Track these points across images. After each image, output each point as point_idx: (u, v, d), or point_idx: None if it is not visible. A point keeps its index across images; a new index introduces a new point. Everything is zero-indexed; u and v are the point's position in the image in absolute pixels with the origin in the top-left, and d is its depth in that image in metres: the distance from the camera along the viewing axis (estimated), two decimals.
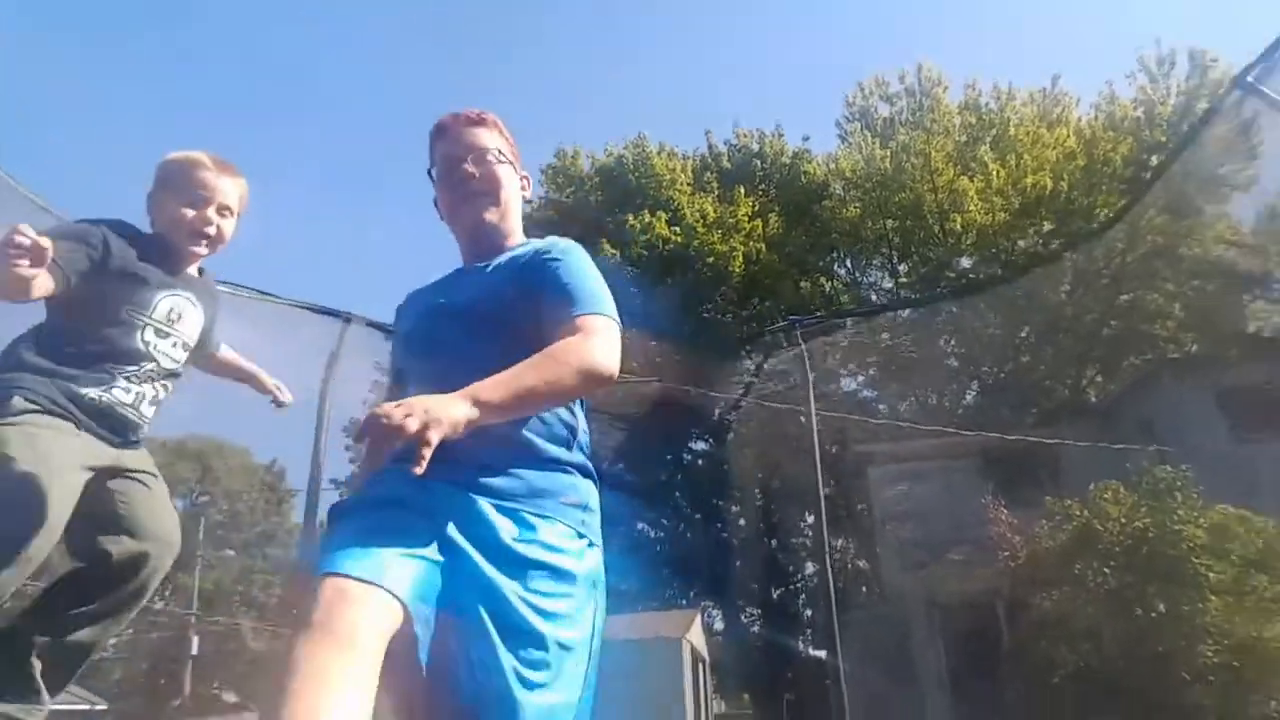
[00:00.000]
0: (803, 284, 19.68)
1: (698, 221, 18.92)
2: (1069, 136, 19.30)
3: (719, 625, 21.73)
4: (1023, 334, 19.34)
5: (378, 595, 1.16)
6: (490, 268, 1.61)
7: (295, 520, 28.19)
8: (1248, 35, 4.33)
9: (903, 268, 21.29)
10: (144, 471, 1.98)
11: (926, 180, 19.39)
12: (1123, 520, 9.59)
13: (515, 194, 1.73)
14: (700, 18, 51.64)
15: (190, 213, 1.97)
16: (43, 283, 1.69)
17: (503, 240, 1.68)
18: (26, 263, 1.56)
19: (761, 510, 21.38)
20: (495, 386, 1.28)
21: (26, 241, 1.54)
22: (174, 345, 1.98)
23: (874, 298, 20.93)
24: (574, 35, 54.86)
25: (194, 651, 26.52)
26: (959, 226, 19.06)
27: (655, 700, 12.67)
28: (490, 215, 1.66)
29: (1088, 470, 11.32)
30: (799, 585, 21.24)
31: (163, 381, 1.99)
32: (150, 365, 1.92)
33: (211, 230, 2.00)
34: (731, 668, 20.42)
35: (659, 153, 20.85)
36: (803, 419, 7.50)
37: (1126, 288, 17.49)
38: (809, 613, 20.45)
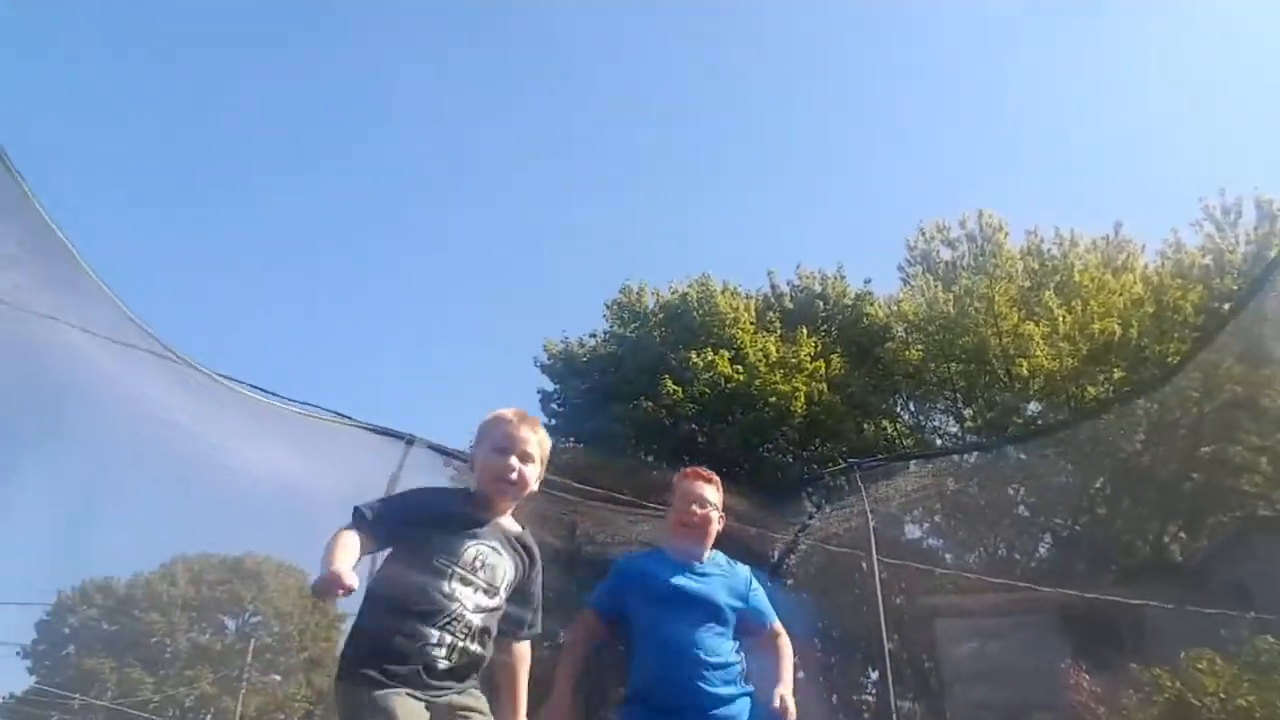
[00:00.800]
0: (865, 426, 19.42)
1: (760, 360, 19.07)
2: (1135, 283, 19.14)
3: None
4: (1097, 484, 18.55)
5: None
6: (704, 570, 2.84)
7: (340, 649, 27.73)
8: None
9: (968, 412, 20.89)
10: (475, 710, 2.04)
11: (991, 324, 19.30)
12: (1222, 695, 8.83)
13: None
14: (766, 160, 54.00)
15: (495, 460, 2.20)
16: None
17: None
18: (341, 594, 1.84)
19: (820, 663, 20.26)
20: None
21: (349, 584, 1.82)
22: (475, 592, 2.06)
23: (939, 442, 20.47)
24: (643, 173, 57.76)
25: None
26: (1025, 371, 18.77)
27: None
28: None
29: (1176, 637, 10.56)
30: None
31: (471, 632, 2.03)
32: (455, 611, 2.00)
33: (513, 476, 2.20)
34: None
35: (723, 291, 21.32)
36: (864, 565, 7.27)
37: (1206, 439, 16.77)
38: None
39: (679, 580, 2.71)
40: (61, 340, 5.22)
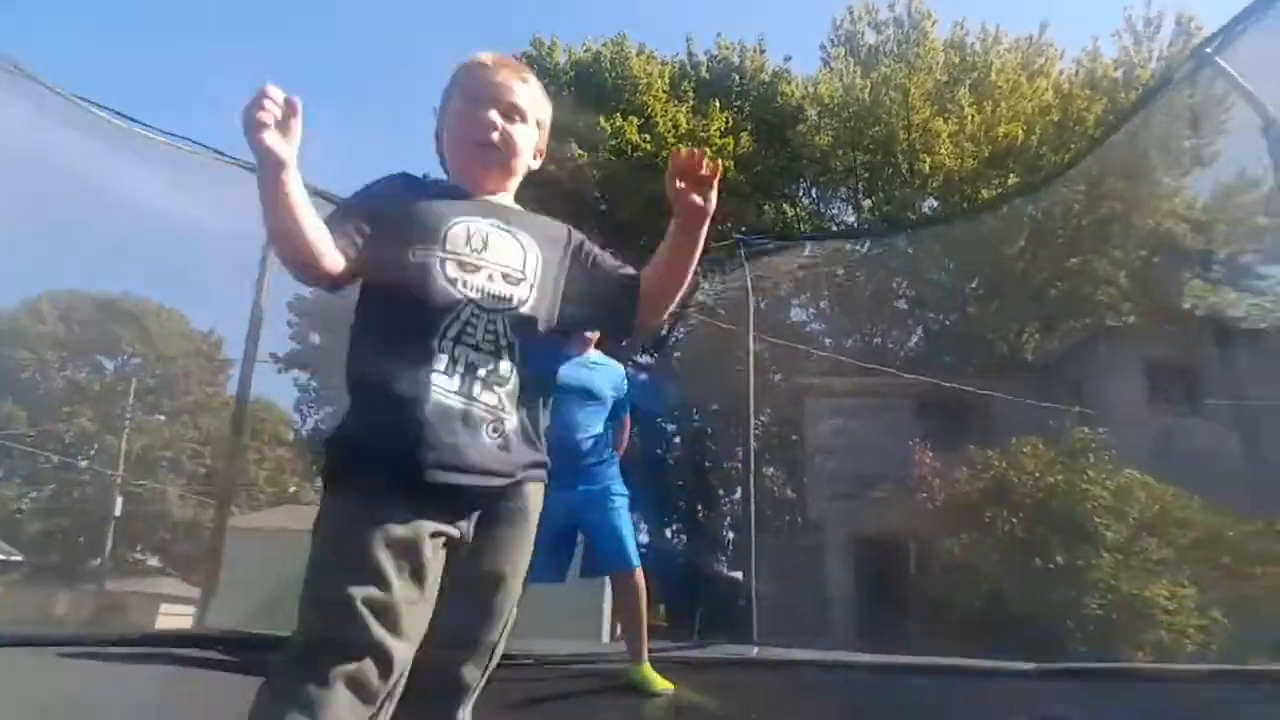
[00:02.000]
0: (766, 207, 19.50)
1: (669, 131, 18.45)
2: (1047, 89, 19.17)
3: (644, 538, 22.39)
4: (973, 284, 19.61)
5: None
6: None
7: (230, 392, 27.68)
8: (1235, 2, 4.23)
9: (867, 203, 21.23)
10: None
11: (902, 117, 19.14)
12: (1037, 475, 10.02)
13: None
14: None
15: (467, 117, 1.50)
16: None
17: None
18: (271, 119, 1.19)
19: (697, 430, 21.75)
20: None
21: (277, 96, 1.20)
22: (489, 279, 1.34)
23: (835, 229, 20.89)
24: None
25: (117, 513, 26.26)
26: (928, 168, 18.98)
27: (574, 603, 13.05)
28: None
29: (1014, 425, 11.73)
30: (725, 508, 21.85)
31: (496, 337, 1.31)
32: (465, 317, 1.29)
33: (494, 135, 1.47)
34: (650, 579, 21.11)
35: (638, 54, 20.08)
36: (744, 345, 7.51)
37: (1078, 250, 17.76)
38: (731, 535, 21.13)
39: None
40: None
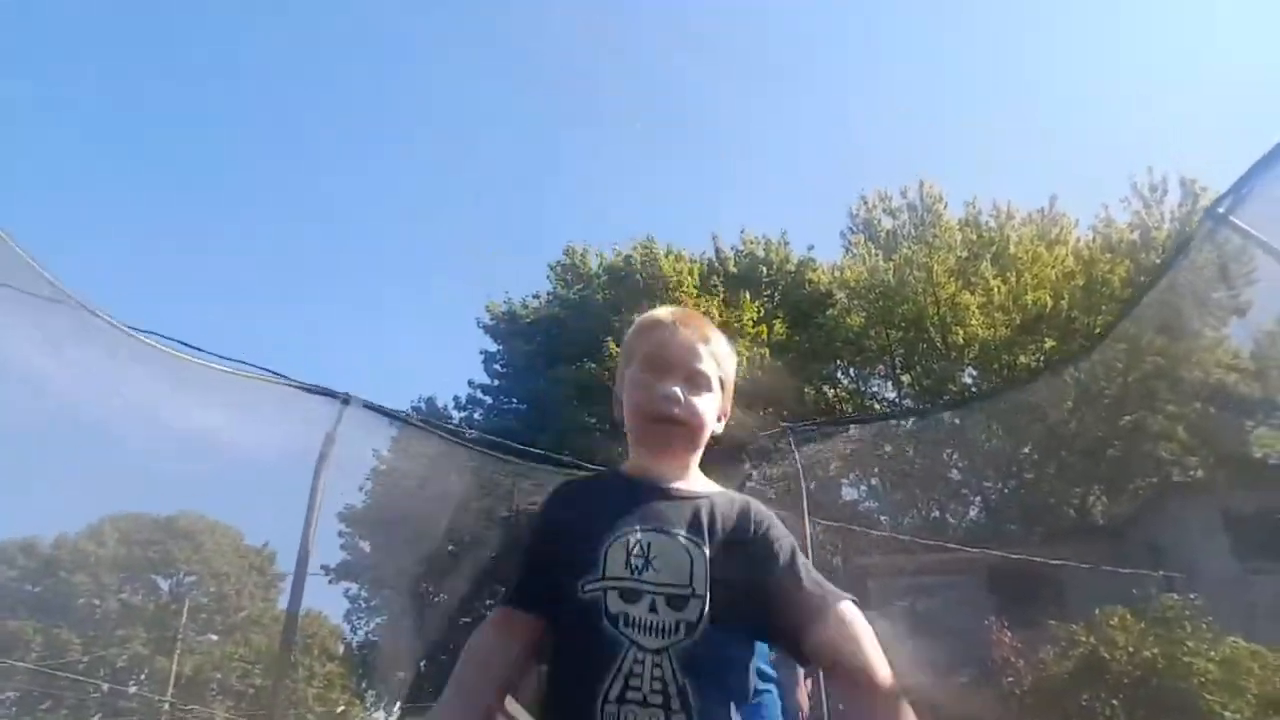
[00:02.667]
0: (806, 391, 19.74)
1: None
2: (1068, 256, 19.73)
3: None
4: (1026, 450, 19.22)
5: None
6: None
7: (281, 606, 27.40)
8: (1234, 163, 4.48)
9: (905, 379, 21.38)
10: None
11: (929, 293, 19.70)
12: (1130, 649, 9.30)
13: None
14: (710, 124, 53.68)
15: (644, 387, 1.38)
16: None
17: None
18: None
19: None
20: None
21: None
22: (652, 608, 1.18)
23: (876, 408, 20.93)
24: (588, 136, 56.97)
25: None
26: (961, 340, 19.25)
27: None
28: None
29: (1094, 593, 11.07)
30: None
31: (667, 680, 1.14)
32: (628, 668, 1.14)
33: (676, 410, 1.34)
34: None
35: (666, 254, 21.28)
36: (800, 526, 7.40)
37: (1129, 408, 17.49)
38: None
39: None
40: None
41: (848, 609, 1.27)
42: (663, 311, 1.47)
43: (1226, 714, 8.38)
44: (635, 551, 1.22)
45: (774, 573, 1.26)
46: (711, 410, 1.41)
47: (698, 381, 1.38)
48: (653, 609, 1.18)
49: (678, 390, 1.35)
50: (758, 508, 1.36)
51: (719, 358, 1.43)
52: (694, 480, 1.40)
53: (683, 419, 1.35)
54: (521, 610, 1.29)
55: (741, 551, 1.26)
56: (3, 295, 5.03)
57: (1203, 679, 8.64)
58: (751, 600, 1.22)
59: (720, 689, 1.17)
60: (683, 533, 1.25)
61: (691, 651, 1.16)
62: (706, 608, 1.18)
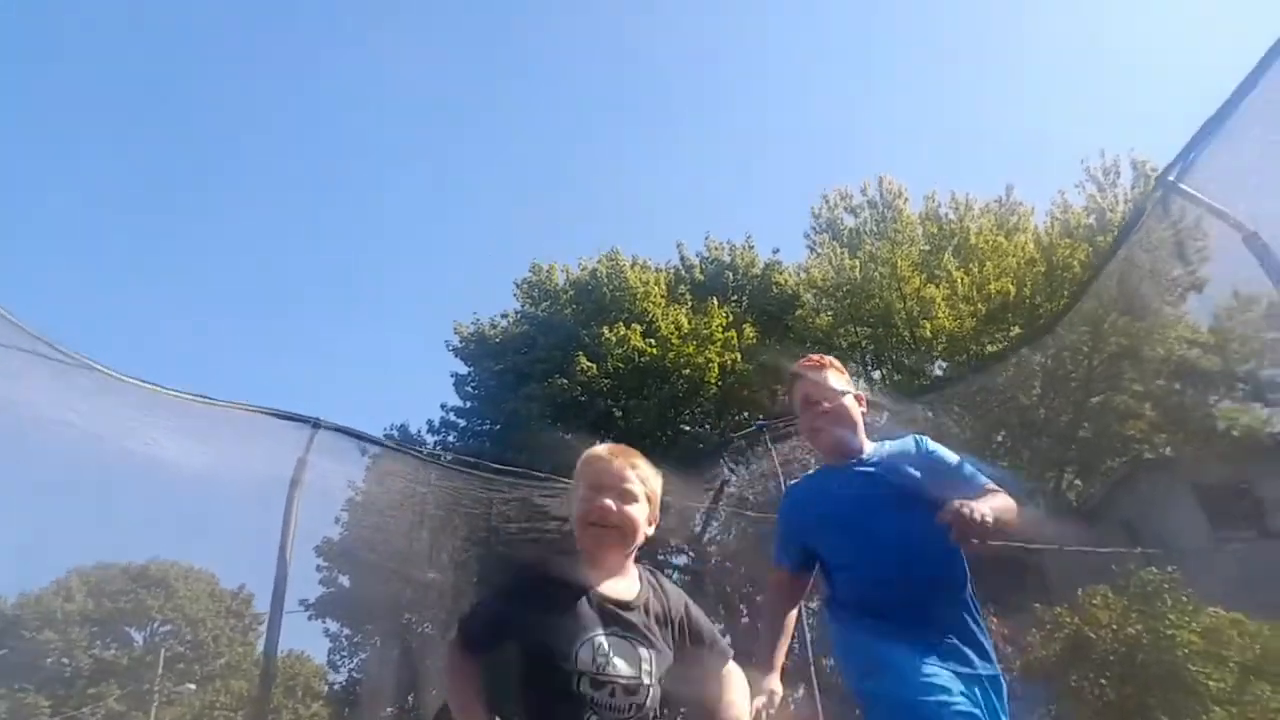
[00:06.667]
0: (780, 393, 19.74)
1: (672, 333, 19.12)
2: (1028, 243, 20.01)
3: None
4: (999, 438, 19.38)
5: None
6: (870, 463, 2.50)
7: (259, 650, 26.69)
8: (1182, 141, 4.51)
9: (876, 374, 21.50)
10: None
11: (895, 288, 19.86)
12: (1114, 627, 9.35)
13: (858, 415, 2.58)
14: (670, 133, 54.00)
15: (587, 503, 1.85)
16: None
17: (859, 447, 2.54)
18: None
19: (747, 628, 20.63)
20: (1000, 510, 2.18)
21: None
22: (612, 694, 1.67)
23: None
24: (547, 150, 57.02)
25: None
26: (929, 333, 19.40)
27: None
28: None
29: (1076, 575, 11.14)
30: (791, 708, 20.25)
31: None
32: None
33: (612, 518, 1.83)
34: None
35: (632, 265, 21.27)
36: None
37: (1096, 390, 17.70)
38: None
39: (848, 487, 2.43)
40: None
41: (737, 669, 1.97)
42: (600, 448, 1.95)
43: (1211, 683, 8.43)
44: (597, 650, 1.68)
45: (703, 653, 1.89)
46: (641, 516, 1.90)
47: (628, 497, 1.87)
48: (613, 694, 1.66)
49: (611, 502, 1.84)
50: (685, 601, 1.93)
51: (645, 479, 1.92)
52: (630, 575, 1.88)
53: (616, 524, 1.83)
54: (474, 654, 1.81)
55: (680, 644, 1.83)
56: None
57: (1186, 650, 8.70)
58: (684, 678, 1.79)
59: None
60: (633, 633, 1.75)
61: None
62: (651, 692, 1.71)
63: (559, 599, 1.73)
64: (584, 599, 1.74)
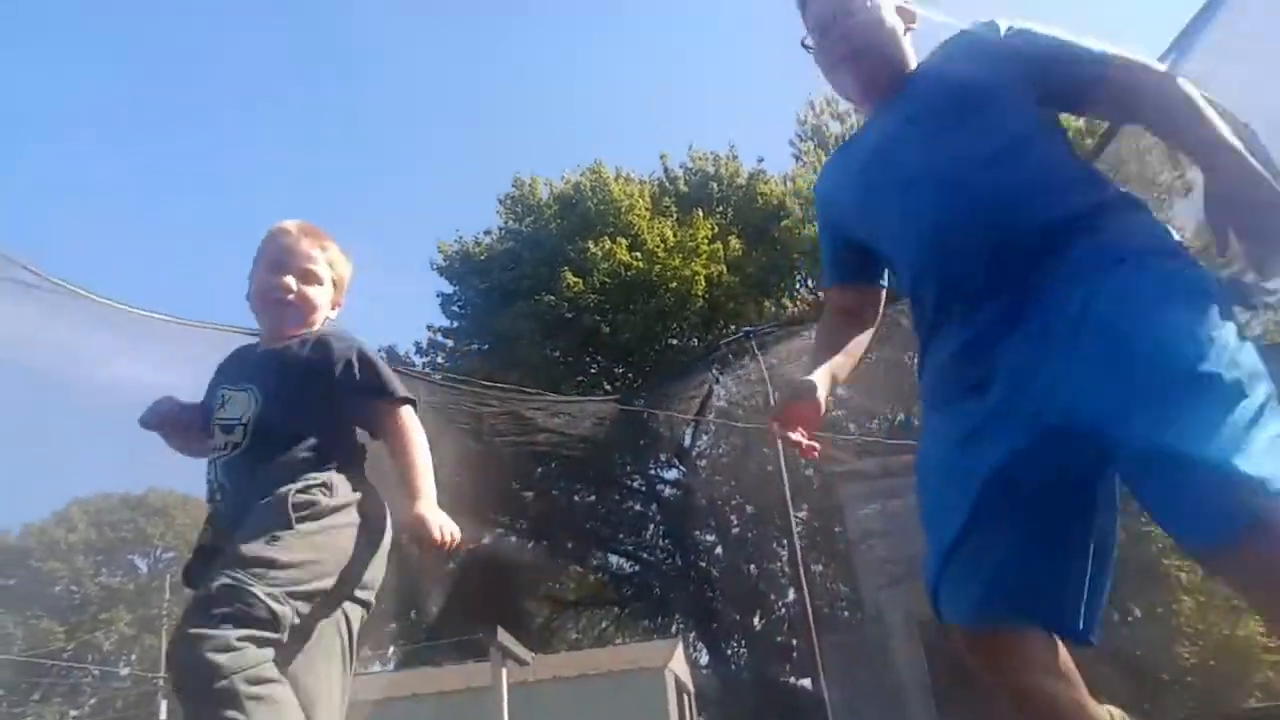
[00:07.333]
0: (766, 304, 19.71)
1: (658, 246, 18.90)
2: None
3: (705, 659, 21.40)
4: None
5: None
6: (917, 86, 1.61)
7: None
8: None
9: None
10: None
11: None
12: None
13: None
14: (651, 41, 52.33)
15: (266, 279, 1.78)
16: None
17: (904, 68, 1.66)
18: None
19: (738, 538, 21.18)
20: None
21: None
22: (215, 433, 1.74)
23: None
24: (528, 62, 55.27)
25: (163, 717, 25.42)
26: None
27: None
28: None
29: None
30: (781, 612, 20.98)
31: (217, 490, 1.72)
32: (211, 475, 1.73)
33: (290, 296, 1.76)
34: (718, 699, 20.08)
35: (616, 178, 20.84)
36: (770, 443, 7.39)
37: None
38: (793, 640, 20.21)
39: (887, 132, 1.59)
40: None
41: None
42: (290, 223, 1.83)
43: (1183, 575, 8.74)
44: (224, 399, 1.74)
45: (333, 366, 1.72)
46: (325, 299, 1.83)
47: (310, 277, 1.79)
48: (220, 437, 1.71)
49: (290, 279, 1.76)
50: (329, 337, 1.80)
51: (334, 261, 1.84)
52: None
53: (295, 302, 1.76)
54: None
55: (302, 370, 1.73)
56: None
57: (1160, 544, 8.98)
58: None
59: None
60: (254, 382, 1.73)
61: (230, 464, 1.68)
62: (249, 436, 1.67)
63: (228, 363, 1.85)
64: (254, 355, 1.82)
